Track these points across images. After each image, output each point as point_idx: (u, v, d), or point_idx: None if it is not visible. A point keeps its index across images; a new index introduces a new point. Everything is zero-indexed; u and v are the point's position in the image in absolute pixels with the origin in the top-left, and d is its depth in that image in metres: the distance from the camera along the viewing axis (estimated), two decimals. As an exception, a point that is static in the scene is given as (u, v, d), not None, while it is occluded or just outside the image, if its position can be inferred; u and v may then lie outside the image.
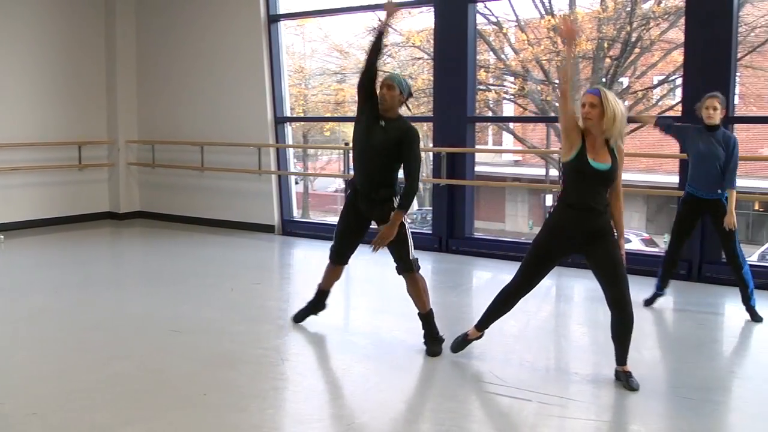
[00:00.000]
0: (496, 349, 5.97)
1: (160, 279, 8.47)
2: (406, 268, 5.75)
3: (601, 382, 5.18)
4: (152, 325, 6.54)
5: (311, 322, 6.52)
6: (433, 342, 5.78)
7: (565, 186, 5.00)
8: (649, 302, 7.25)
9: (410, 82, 5.70)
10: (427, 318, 5.82)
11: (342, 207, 6.08)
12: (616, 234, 5.05)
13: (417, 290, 5.79)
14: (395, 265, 5.80)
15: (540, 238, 5.16)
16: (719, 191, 6.70)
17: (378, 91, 5.68)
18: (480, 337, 5.62)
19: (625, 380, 5.09)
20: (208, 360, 5.59)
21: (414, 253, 5.77)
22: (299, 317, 6.44)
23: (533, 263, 5.18)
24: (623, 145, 4.97)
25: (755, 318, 6.79)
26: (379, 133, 5.62)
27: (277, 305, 7.30)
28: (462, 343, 5.64)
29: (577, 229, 5.00)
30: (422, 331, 5.84)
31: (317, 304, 6.42)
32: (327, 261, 6.25)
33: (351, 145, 5.94)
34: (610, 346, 6.01)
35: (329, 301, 6.46)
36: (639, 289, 8.07)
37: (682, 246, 7.07)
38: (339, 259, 6.16)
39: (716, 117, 6.65)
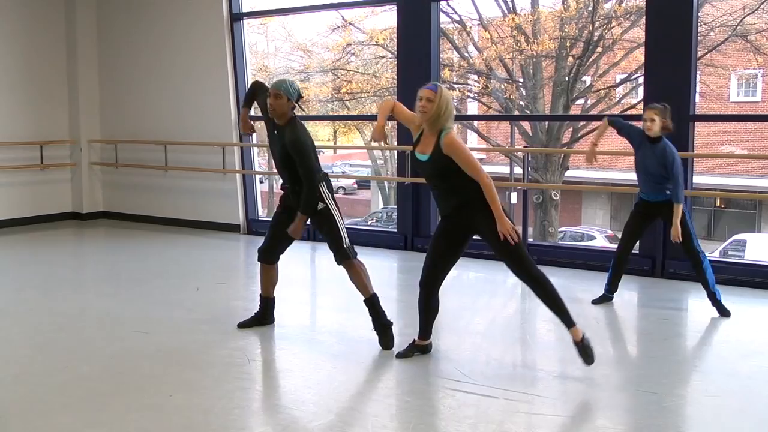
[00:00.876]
0: (463, 346, 5.98)
1: (125, 279, 8.39)
2: (343, 256, 5.81)
3: (567, 379, 5.21)
4: (116, 326, 6.48)
5: (277, 322, 6.49)
6: (382, 330, 5.80)
7: None
8: (597, 302, 7.23)
9: (297, 85, 5.81)
10: (371, 302, 5.85)
11: (276, 207, 6.13)
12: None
13: (358, 276, 5.85)
14: (333, 255, 5.86)
15: (439, 225, 5.43)
16: (666, 193, 6.73)
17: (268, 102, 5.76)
18: (427, 346, 5.63)
19: (580, 352, 5.18)
20: (174, 361, 5.55)
21: (347, 241, 5.83)
22: (244, 325, 6.35)
23: (436, 249, 5.39)
24: (452, 135, 5.08)
25: (723, 313, 6.78)
26: (277, 142, 5.81)
27: (243, 305, 7.26)
28: (410, 349, 5.63)
29: (453, 219, 5.25)
30: (373, 322, 5.86)
31: (264, 315, 6.37)
32: (258, 263, 6.26)
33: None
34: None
35: (285, 304, 6.43)
36: (601, 285, 8.15)
37: (630, 248, 7.13)
38: (269, 258, 6.17)
39: (654, 128, 6.64)
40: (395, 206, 11.96)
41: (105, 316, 6.82)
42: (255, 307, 7.00)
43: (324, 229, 5.87)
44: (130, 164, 12.59)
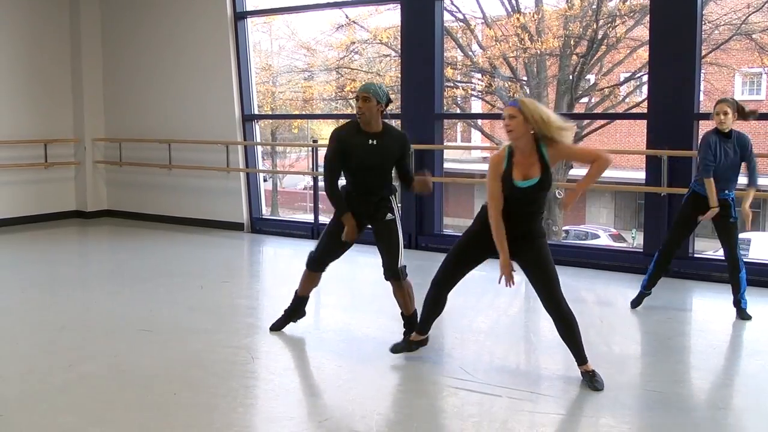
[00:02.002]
0: (467, 345, 5.98)
1: (128, 278, 8.40)
2: (394, 275, 5.70)
3: (571, 378, 5.20)
4: (120, 324, 6.48)
5: (281, 320, 6.49)
6: (406, 342, 5.75)
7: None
8: (635, 303, 7.05)
9: (386, 88, 5.59)
10: (410, 320, 5.82)
11: (332, 218, 5.88)
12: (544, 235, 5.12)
13: (403, 295, 5.80)
14: (382, 268, 5.75)
15: (472, 229, 5.22)
16: (726, 192, 6.60)
17: (354, 105, 5.57)
18: (424, 341, 5.58)
19: (588, 380, 5.04)
20: (178, 359, 5.56)
21: (403, 260, 5.72)
22: (277, 326, 6.22)
23: (463, 254, 5.25)
24: (566, 141, 4.86)
25: (743, 316, 6.72)
26: (373, 151, 5.53)
27: (247, 303, 7.27)
28: (405, 345, 5.59)
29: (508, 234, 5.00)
30: (403, 330, 5.84)
31: (296, 310, 6.24)
32: (304, 267, 6.07)
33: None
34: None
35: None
36: (606, 284, 8.15)
37: (680, 244, 6.96)
38: (318, 267, 6.04)
39: (728, 121, 6.41)
40: (399, 204, 11.94)
41: (109, 314, 6.83)
42: (259, 305, 7.00)
43: (384, 241, 5.69)
44: (134, 163, 12.60)
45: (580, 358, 5.12)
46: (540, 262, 5.01)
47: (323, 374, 5.33)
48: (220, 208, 11.88)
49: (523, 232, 4.98)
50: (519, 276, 5.11)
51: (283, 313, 6.26)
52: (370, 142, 5.53)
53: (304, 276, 6.10)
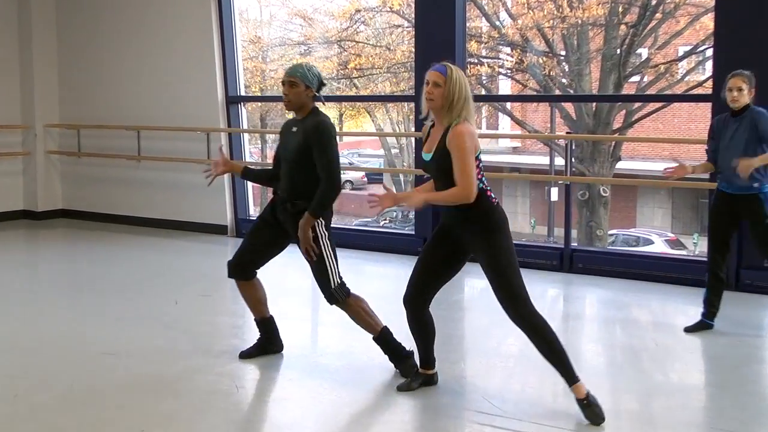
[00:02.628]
0: (493, 371, 5.95)
1: (88, 291, 8.39)
2: (330, 299, 5.73)
3: (620, 412, 5.17)
4: (78, 346, 6.47)
5: (271, 341, 6.46)
6: (401, 361, 5.74)
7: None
8: (691, 329, 6.94)
9: (316, 68, 5.76)
10: (382, 339, 5.79)
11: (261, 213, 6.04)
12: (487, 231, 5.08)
13: (357, 316, 5.79)
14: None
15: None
16: (755, 185, 6.57)
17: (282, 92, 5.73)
18: (432, 376, 5.53)
19: (582, 409, 4.98)
20: (148, 389, 5.53)
21: (338, 277, 5.70)
22: (248, 354, 6.20)
23: (425, 258, 5.40)
24: (462, 127, 4.97)
25: None
26: (293, 137, 5.73)
27: (231, 321, 7.25)
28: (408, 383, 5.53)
29: (448, 228, 5.23)
30: (389, 359, 5.80)
31: (268, 341, 6.23)
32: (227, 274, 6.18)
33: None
34: (629, 368, 6.02)
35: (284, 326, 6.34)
36: (662, 300, 8.11)
37: (720, 258, 6.84)
38: (241, 273, 6.09)
39: (742, 99, 6.49)
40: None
41: (64, 334, 6.81)
42: (245, 323, 6.98)
43: (311, 263, 5.75)
44: (96, 153, 12.60)
45: (569, 375, 5.04)
46: (482, 260, 5.08)
47: (320, 407, 5.31)
48: (200, 208, 11.88)
49: (451, 220, 5.15)
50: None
51: (254, 343, 6.28)
52: (293, 129, 5.76)
53: (242, 293, 6.21)
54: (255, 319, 6.24)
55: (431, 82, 5.05)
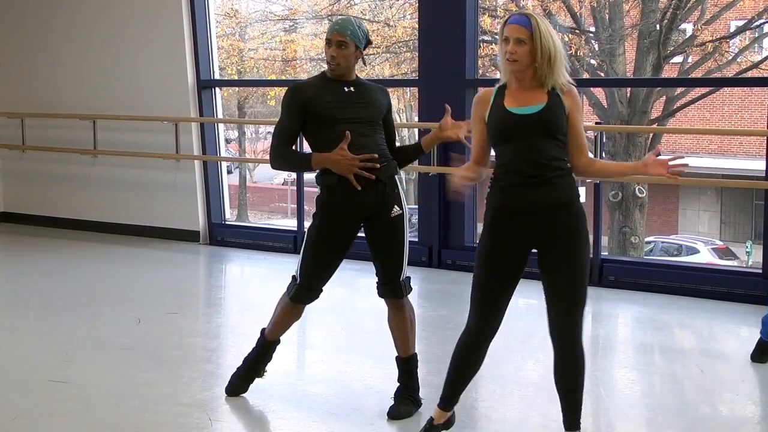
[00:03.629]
0: (510, 402, 5.96)
1: (35, 308, 8.41)
2: (394, 289, 5.62)
3: (657, 449, 5.19)
4: (23, 373, 6.48)
5: (250, 367, 6.48)
6: (405, 401, 5.67)
7: (497, 162, 4.88)
8: (756, 356, 6.78)
9: (363, 25, 5.68)
10: (408, 365, 5.73)
11: (316, 227, 5.70)
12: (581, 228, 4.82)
13: (402, 322, 5.69)
14: (378, 281, 5.67)
15: (480, 250, 4.92)
16: None
17: (325, 51, 5.60)
18: (450, 420, 5.26)
19: None
20: (106, 423, 5.54)
21: (407, 269, 5.68)
22: (236, 388, 6.00)
23: (482, 286, 4.94)
24: (575, 91, 4.82)
25: None
26: (356, 103, 5.60)
27: (203, 343, 7.26)
28: None
29: (521, 215, 4.79)
30: (398, 385, 5.74)
31: (260, 361, 6.00)
32: (284, 296, 5.85)
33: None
34: (670, 399, 6.04)
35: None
36: (709, 318, 8.12)
37: None
38: (309, 297, 5.84)
39: None
40: (416, 206, 11.95)
41: (7, 359, 6.82)
42: (219, 346, 7.00)
43: (386, 242, 5.62)
44: (44, 147, 12.60)
45: (574, 417, 4.96)
46: (563, 268, 4.76)
47: (309, 443, 5.32)
48: (167, 211, 11.88)
49: (536, 204, 4.74)
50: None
51: (241, 364, 6.06)
52: (346, 89, 5.62)
53: (281, 310, 5.88)
54: (266, 338, 5.97)
55: (512, 38, 4.68)
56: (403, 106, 23.07)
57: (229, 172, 18.31)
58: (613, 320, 8.47)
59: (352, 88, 5.61)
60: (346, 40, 5.50)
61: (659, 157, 4.64)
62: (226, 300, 9.55)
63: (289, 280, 5.70)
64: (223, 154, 12.46)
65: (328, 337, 7.58)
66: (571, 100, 4.73)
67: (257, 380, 6.19)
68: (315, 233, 5.61)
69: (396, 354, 5.77)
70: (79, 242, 11.72)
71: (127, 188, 12.17)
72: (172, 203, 11.86)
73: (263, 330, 5.95)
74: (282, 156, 5.68)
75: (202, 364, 6.71)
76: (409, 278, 5.68)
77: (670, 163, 4.61)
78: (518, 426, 5.53)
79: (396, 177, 5.69)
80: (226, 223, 11.94)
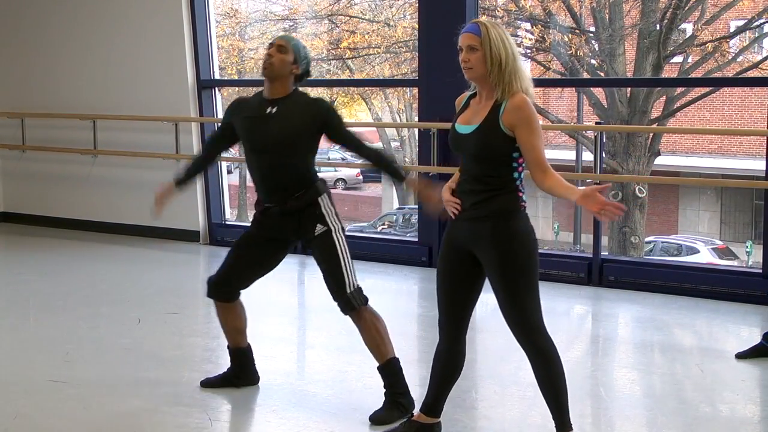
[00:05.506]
0: (510, 402, 5.96)
1: (35, 308, 8.41)
2: (346, 305, 5.66)
3: (658, 448, 5.19)
4: (23, 373, 6.48)
5: (250, 367, 6.48)
6: (390, 405, 5.62)
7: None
8: (744, 355, 6.85)
9: (311, 55, 5.84)
10: (385, 370, 5.71)
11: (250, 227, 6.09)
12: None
13: (367, 332, 5.68)
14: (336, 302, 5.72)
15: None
16: None
17: (265, 53, 5.74)
18: (431, 427, 5.22)
19: None
20: (105, 423, 5.55)
21: (355, 279, 5.68)
22: (209, 384, 6.20)
23: (438, 287, 5.07)
24: (525, 96, 4.79)
25: None
26: (268, 122, 5.70)
27: (203, 343, 7.26)
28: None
29: (461, 221, 4.92)
30: (384, 391, 5.71)
31: (239, 373, 6.17)
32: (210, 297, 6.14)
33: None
34: (670, 399, 6.04)
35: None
36: (708, 318, 8.12)
37: None
38: (226, 292, 6.08)
39: None
40: (416, 206, 11.95)
41: (7, 359, 6.83)
42: (219, 346, 6.99)
43: (322, 263, 5.74)
44: (44, 147, 12.60)
45: (562, 419, 4.96)
46: (501, 265, 4.82)
47: (309, 443, 5.32)
48: (167, 211, 11.72)
49: (471, 213, 4.86)
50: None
51: (220, 374, 6.26)
52: (268, 110, 5.70)
53: (220, 316, 6.18)
54: (228, 347, 6.19)
55: (464, 46, 4.79)
56: (403, 106, 23.09)
57: (229, 172, 18.34)
58: (613, 320, 8.47)
59: (274, 109, 5.70)
60: (288, 46, 5.68)
61: (598, 194, 4.67)
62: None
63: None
64: (223, 154, 12.42)
65: (327, 337, 7.58)
66: (515, 116, 4.71)
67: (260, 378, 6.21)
68: (241, 235, 6.16)
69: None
70: (79, 242, 11.72)
71: (127, 188, 12.17)
72: (172, 203, 11.82)
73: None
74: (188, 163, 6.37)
75: (202, 364, 6.71)
76: (359, 289, 5.69)
77: (607, 202, 4.65)
78: (518, 426, 5.53)
79: (320, 198, 5.74)
80: (226, 223, 11.94)
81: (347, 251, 5.72)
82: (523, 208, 4.82)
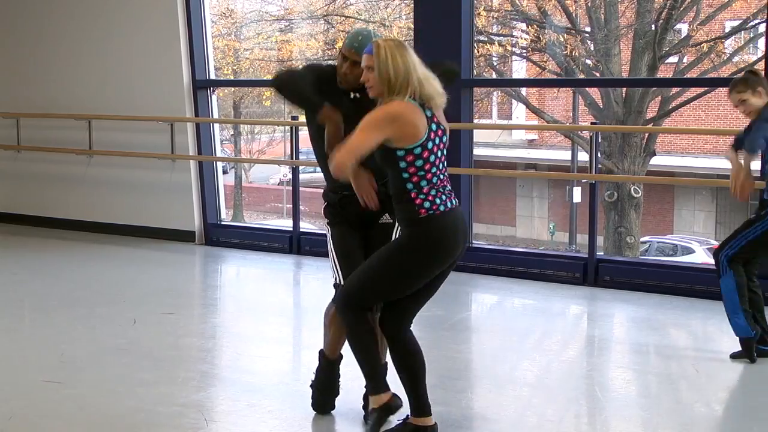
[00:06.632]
0: (505, 402, 5.96)
1: (30, 308, 8.40)
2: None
3: (653, 448, 5.19)
4: (18, 373, 6.48)
5: (247, 367, 6.48)
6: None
7: None
8: (739, 355, 6.81)
9: (382, 32, 5.61)
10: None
11: (333, 227, 5.60)
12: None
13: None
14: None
15: None
16: None
17: (338, 65, 5.42)
18: (427, 429, 5.17)
19: (373, 420, 5.03)
20: (101, 423, 5.54)
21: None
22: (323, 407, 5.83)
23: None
24: (391, 105, 4.85)
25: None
26: (358, 113, 5.18)
27: (198, 344, 7.25)
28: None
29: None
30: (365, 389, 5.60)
31: (326, 384, 5.81)
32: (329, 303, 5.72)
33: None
34: (665, 399, 6.04)
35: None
36: (704, 318, 8.13)
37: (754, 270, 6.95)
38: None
39: (751, 108, 6.87)
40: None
41: (3, 359, 6.82)
42: (215, 346, 6.99)
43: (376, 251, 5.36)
44: (39, 147, 12.58)
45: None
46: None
47: (305, 443, 5.32)
48: (162, 211, 11.87)
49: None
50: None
51: (313, 391, 5.87)
52: (352, 95, 5.44)
53: (329, 323, 5.76)
54: (327, 357, 5.82)
55: (365, 66, 4.97)
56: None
57: (224, 172, 18.32)
58: (608, 320, 8.47)
59: (357, 95, 5.42)
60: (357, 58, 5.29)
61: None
62: (221, 300, 9.54)
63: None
64: (218, 154, 12.44)
65: (321, 336, 7.56)
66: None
67: (252, 380, 6.21)
68: (336, 241, 5.61)
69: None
70: (74, 242, 11.70)
71: (123, 188, 12.16)
72: (167, 203, 11.85)
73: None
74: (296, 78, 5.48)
75: (197, 364, 6.70)
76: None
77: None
78: (514, 425, 5.53)
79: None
80: (222, 223, 11.92)
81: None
82: (425, 213, 4.90)
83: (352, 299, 5.02)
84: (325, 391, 5.74)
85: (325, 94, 5.37)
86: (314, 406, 5.74)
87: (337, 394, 5.75)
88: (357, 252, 5.44)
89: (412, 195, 4.87)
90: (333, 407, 5.73)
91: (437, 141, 4.90)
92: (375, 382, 5.10)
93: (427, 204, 4.87)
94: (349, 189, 5.23)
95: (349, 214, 5.46)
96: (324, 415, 5.69)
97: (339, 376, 5.77)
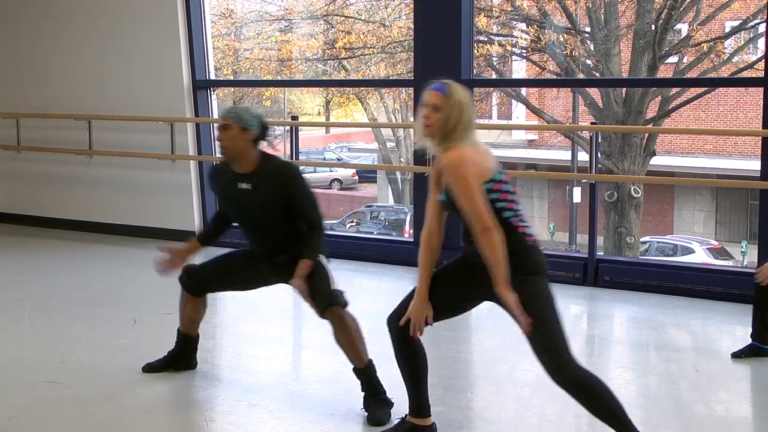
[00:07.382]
0: (505, 402, 5.96)
1: (30, 308, 8.40)
2: (330, 300, 5.69)
3: (653, 448, 5.19)
4: (18, 373, 6.48)
5: (248, 367, 6.47)
6: (376, 405, 5.61)
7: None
8: (739, 354, 6.83)
9: (259, 111, 5.84)
10: (365, 373, 5.73)
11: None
12: None
13: (347, 335, 5.70)
14: (314, 308, 5.79)
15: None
16: None
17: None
18: (425, 429, 5.20)
19: None
20: (102, 423, 5.54)
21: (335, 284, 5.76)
22: (152, 368, 6.40)
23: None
24: (454, 152, 4.74)
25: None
26: (247, 197, 5.80)
27: (199, 343, 7.25)
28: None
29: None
30: (363, 395, 5.69)
31: (181, 356, 6.42)
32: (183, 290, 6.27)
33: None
34: (666, 399, 6.04)
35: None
36: (703, 318, 8.13)
37: None
38: (197, 288, 6.23)
39: None
40: (411, 206, 11.95)
41: (3, 360, 6.81)
42: (215, 346, 7.00)
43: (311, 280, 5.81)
44: (38, 147, 12.58)
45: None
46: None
47: (305, 443, 5.32)
48: (162, 211, 11.87)
49: (476, 259, 4.92)
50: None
51: (165, 355, 6.44)
52: (240, 186, 5.79)
53: (182, 302, 6.32)
54: (179, 330, 6.40)
55: (430, 104, 4.78)
56: (398, 106, 23.09)
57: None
58: (608, 320, 8.47)
59: (248, 186, 5.76)
60: (229, 122, 5.65)
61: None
62: (221, 300, 9.53)
63: None
64: (218, 154, 12.43)
65: (324, 337, 7.55)
66: (447, 176, 4.77)
67: (252, 380, 6.21)
68: (239, 250, 6.43)
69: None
70: (74, 243, 11.70)
71: (123, 188, 12.16)
72: (167, 203, 11.85)
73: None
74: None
75: (198, 364, 6.70)
76: (341, 292, 5.83)
77: (521, 319, 4.76)
78: (514, 426, 5.53)
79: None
80: (222, 223, 11.92)
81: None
82: (531, 240, 4.82)
83: (562, 359, 4.79)
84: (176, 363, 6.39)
85: (221, 183, 5.94)
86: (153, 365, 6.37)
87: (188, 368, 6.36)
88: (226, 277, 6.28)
89: (514, 224, 4.75)
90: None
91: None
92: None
93: (528, 230, 4.81)
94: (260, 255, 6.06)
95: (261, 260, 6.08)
96: (323, 417, 5.67)
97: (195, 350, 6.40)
